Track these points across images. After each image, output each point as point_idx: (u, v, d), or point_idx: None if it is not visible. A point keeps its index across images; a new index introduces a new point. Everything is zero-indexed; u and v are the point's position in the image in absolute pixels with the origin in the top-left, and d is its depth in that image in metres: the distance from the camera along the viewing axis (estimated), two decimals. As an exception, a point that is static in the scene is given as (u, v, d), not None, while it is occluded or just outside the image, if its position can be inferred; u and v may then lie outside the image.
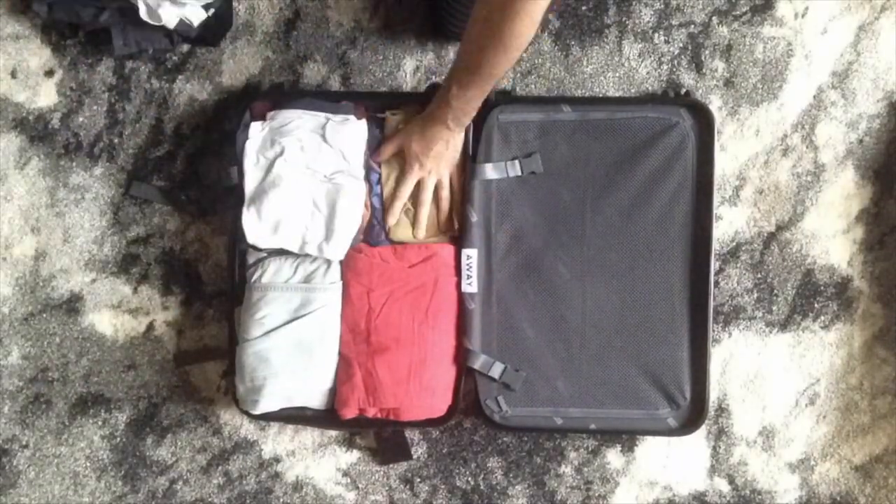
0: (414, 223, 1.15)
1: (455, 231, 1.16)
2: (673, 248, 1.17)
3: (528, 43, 0.94)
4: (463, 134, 1.13)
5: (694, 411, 1.18)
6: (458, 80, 1.01)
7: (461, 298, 1.16)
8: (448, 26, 1.16)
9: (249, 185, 1.11)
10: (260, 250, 1.14)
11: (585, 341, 1.17)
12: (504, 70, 0.98)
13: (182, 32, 1.15)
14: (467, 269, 1.15)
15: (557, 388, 1.17)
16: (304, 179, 1.11)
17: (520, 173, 1.16)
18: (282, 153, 1.10)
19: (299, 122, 1.12)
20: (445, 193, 1.15)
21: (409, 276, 1.14)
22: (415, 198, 1.15)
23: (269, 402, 1.11)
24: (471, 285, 1.15)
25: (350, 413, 1.12)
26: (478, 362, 1.15)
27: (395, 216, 1.15)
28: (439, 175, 1.14)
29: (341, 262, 1.14)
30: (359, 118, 1.14)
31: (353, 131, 1.13)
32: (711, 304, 1.16)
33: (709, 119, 1.16)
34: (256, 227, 1.11)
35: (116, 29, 1.15)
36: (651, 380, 1.17)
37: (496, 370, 1.16)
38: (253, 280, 1.13)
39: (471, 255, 1.15)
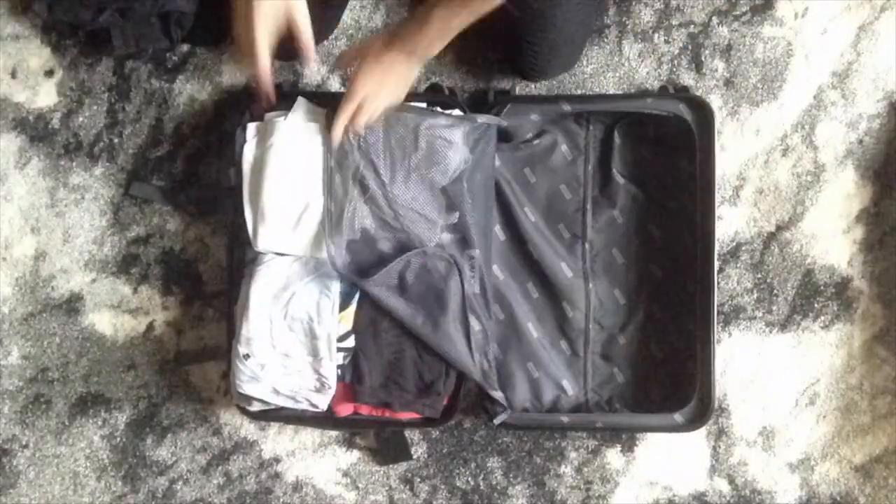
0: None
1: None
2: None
3: None
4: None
5: (700, 407, 1.17)
6: (446, 3, 0.91)
7: None
8: (528, 67, 1.15)
9: (249, 188, 1.12)
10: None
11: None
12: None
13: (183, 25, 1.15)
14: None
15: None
16: (306, 177, 1.11)
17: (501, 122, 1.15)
18: (280, 154, 1.10)
19: (293, 120, 1.12)
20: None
21: None
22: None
23: (263, 400, 1.11)
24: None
25: (345, 411, 1.12)
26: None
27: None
28: (375, 108, 1.03)
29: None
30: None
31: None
32: (715, 299, 1.16)
33: (708, 114, 1.16)
34: (265, 234, 1.11)
35: (116, 29, 1.15)
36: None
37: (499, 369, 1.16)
38: (250, 275, 1.13)
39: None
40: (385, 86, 1.03)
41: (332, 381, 1.09)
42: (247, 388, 1.09)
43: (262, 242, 1.10)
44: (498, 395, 1.13)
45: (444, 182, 1.13)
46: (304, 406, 1.10)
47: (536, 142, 1.17)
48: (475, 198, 1.15)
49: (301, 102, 1.13)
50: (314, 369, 1.08)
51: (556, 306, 1.17)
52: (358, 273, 1.10)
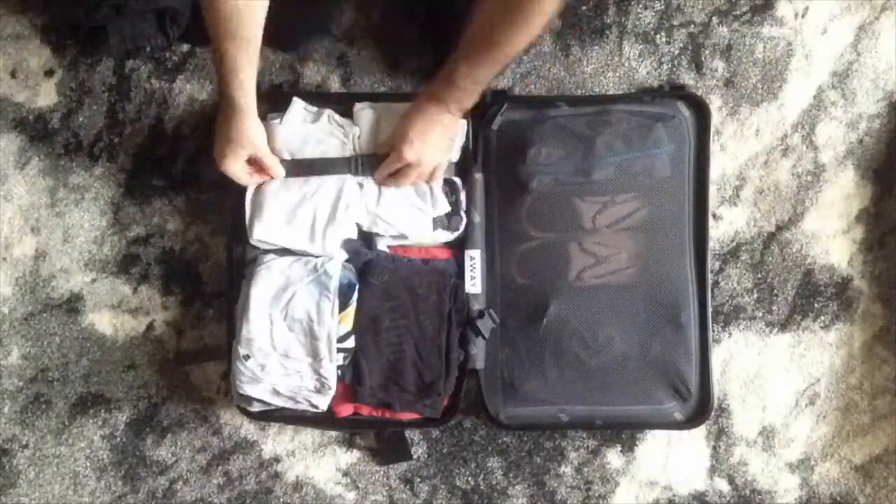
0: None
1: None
2: (675, 242, 1.17)
3: (550, 17, 0.87)
4: (461, 121, 1.09)
5: (700, 404, 1.18)
6: (468, 58, 0.94)
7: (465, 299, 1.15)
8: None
9: (250, 186, 1.12)
10: (260, 248, 1.14)
11: (590, 339, 1.17)
12: (522, 48, 0.92)
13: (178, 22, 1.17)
14: (471, 271, 1.15)
15: (563, 386, 1.17)
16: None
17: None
18: (279, 152, 1.11)
19: (289, 120, 1.12)
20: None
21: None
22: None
23: (263, 401, 1.11)
24: (474, 286, 1.15)
25: (345, 411, 1.12)
26: (482, 362, 1.15)
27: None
28: (428, 165, 1.08)
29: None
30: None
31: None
32: (710, 296, 1.16)
33: (705, 111, 1.16)
34: (260, 226, 1.11)
35: (112, 26, 1.16)
36: (656, 374, 1.17)
37: (500, 369, 1.16)
38: (250, 277, 1.13)
39: (474, 256, 1.15)
40: (433, 144, 1.06)
41: (332, 382, 1.09)
42: (247, 388, 1.09)
43: (258, 234, 1.11)
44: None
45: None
46: (304, 407, 1.10)
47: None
48: (477, 198, 1.15)
49: (296, 103, 1.14)
50: (314, 370, 1.08)
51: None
52: (357, 270, 1.11)
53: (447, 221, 1.14)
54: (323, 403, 1.10)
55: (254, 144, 1.06)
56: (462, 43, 0.95)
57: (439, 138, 1.06)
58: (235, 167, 1.07)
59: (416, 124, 1.04)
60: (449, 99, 1.01)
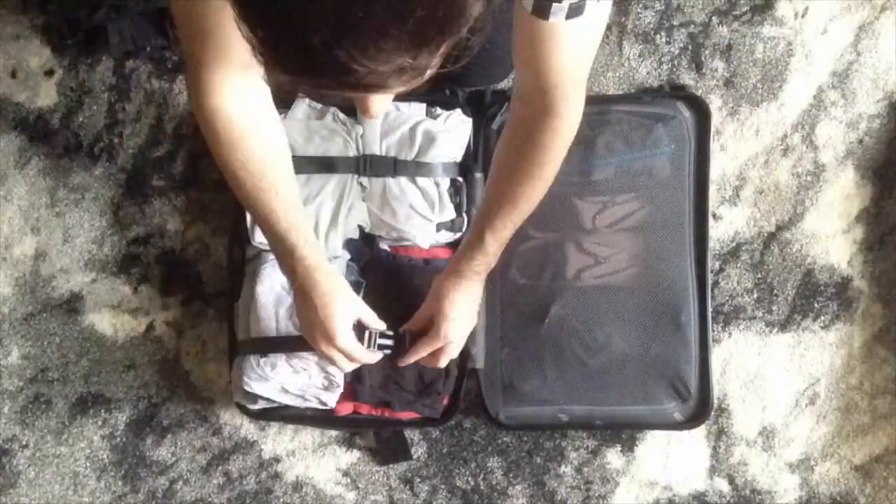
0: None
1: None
2: (675, 242, 1.17)
3: (560, 164, 0.91)
4: (467, 120, 1.14)
5: (700, 404, 1.18)
6: (493, 228, 0.95)
7: None
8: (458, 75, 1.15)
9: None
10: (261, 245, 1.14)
11: (590, 339, 1.17)
12: (538, 199, 0.94)
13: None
14: None
15: (562, 386, 1.17)
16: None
17: None
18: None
19: (293, 117, 1.12)
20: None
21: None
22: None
23: (270, 399, 1.11)
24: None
25: (345, 410, 1.12)
26: (481, 362, 1.15)
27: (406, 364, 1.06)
28: (463, 339, 1.04)
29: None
30: None
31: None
32: (709, 295, 1.16)
33: (705, 111, 1.16)
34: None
35: (112, 26, 1.16)
36: (656, 374, 1.17)
37: (500, 369, 1.16)
38: (252, 273, 1.13)
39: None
40: (470, 315, 1.03)
41: (339, 380, 1.09)
42: (255, 386, 1.09)
43: (260, 236, 1.10)
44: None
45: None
46: (313, 404, 1.11)
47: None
48: (477, 198, 1.15)
49: (301, 99, 1.14)
50: (321, 367, 1.08)
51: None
52: (358, 271, 1.11)
53: (450, 223, 1.14)
54: (332, 400, 1.11)
55: (351, 313, 0.95)
56: (484, 212, 0.96)
57: (475, 309, 1.04)
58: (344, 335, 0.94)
59: (456, 302, 1.00)
60: (483, 269, 1.00)
